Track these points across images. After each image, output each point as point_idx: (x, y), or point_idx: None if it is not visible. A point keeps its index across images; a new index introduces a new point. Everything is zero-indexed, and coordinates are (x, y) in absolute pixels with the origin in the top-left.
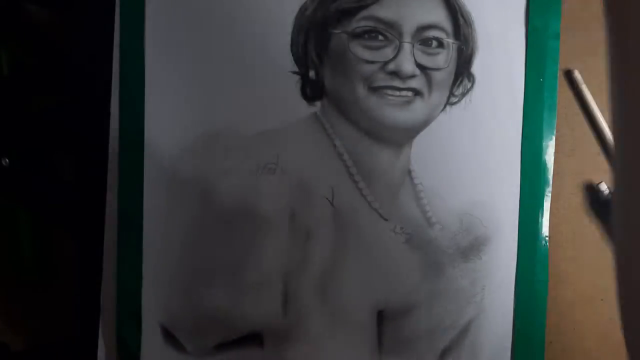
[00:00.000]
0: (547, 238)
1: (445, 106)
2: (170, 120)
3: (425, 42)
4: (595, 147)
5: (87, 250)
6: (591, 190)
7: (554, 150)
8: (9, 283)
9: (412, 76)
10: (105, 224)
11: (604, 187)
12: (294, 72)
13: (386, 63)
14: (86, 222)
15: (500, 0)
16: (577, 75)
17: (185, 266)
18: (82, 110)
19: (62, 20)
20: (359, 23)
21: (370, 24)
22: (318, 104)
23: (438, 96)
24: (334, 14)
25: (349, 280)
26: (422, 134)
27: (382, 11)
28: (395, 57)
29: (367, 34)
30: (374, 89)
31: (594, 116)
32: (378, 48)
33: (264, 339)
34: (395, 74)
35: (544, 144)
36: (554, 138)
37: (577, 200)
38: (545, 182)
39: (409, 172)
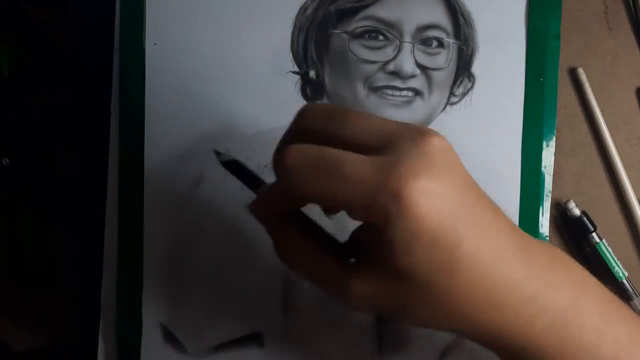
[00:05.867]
0: (547, 238)
1: (445, 106)
2: (170, 120)
3: (426, 42)
4: (595, 147)
5: (87, 250)
6: None
7: (554, 150)
8: (9, 283)
9: (413, 76)
10: (105, 224)
11: None
12: (294, 72)
13: (386, 63)
14: (86, 222)
15: (501, 0)
16: (582, 74)
17: (185, 266)
18: (82, 110)
19: (62, 20)
20: (359, 23)
21: (371, 24)
22: None
23: (438, 96)
24: (334, 13)
25: None
26: None
27: (382, 11)
28: (395, 57)
29: (367, 34)
30: (374, 89)
31: (595, 116)
32: (378, 48)
33: (264, 339)
34: (396, 74)
35: (544, 144)
36: (554, 138)
37: None
38: (545, 182)
39: None
